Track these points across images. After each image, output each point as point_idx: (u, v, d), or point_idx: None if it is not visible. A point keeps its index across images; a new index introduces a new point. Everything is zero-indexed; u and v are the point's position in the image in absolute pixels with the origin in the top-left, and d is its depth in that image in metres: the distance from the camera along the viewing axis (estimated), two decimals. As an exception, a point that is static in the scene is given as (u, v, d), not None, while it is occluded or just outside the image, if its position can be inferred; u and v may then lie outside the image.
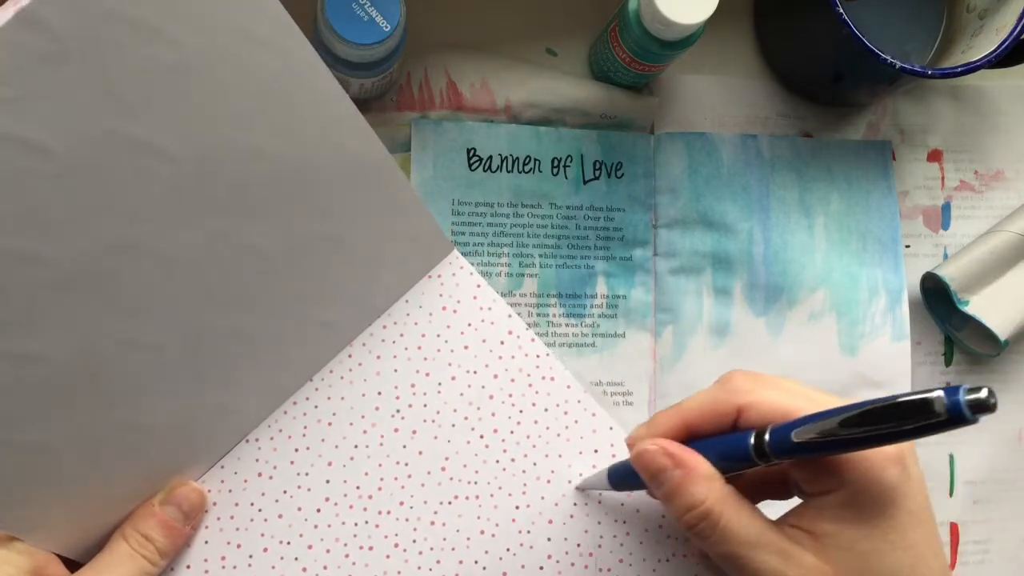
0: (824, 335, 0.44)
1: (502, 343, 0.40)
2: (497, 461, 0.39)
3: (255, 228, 0.33)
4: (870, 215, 0.46)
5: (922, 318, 0.47)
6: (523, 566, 0.38)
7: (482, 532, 0.38)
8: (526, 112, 0.44)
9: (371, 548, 0.38)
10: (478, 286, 0.41)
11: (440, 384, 0.39)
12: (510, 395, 0.40)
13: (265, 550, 0.37)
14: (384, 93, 0.43)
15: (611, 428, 0.40)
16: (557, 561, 0.39)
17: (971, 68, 0.40)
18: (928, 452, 0.46)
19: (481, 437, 0.39)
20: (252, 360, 0.36)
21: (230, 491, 0.37)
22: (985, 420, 0.22)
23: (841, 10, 0.39)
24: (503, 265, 0.43)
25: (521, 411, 0.40)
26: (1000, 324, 0.44)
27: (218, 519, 0.37)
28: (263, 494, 0.37)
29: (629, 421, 0.43)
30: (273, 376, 0.37)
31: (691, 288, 0.44)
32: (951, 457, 0.46)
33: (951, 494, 0.46)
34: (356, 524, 0.38)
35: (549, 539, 0.39)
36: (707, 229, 0.44)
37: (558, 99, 0.44)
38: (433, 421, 0.39)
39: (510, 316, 0.41)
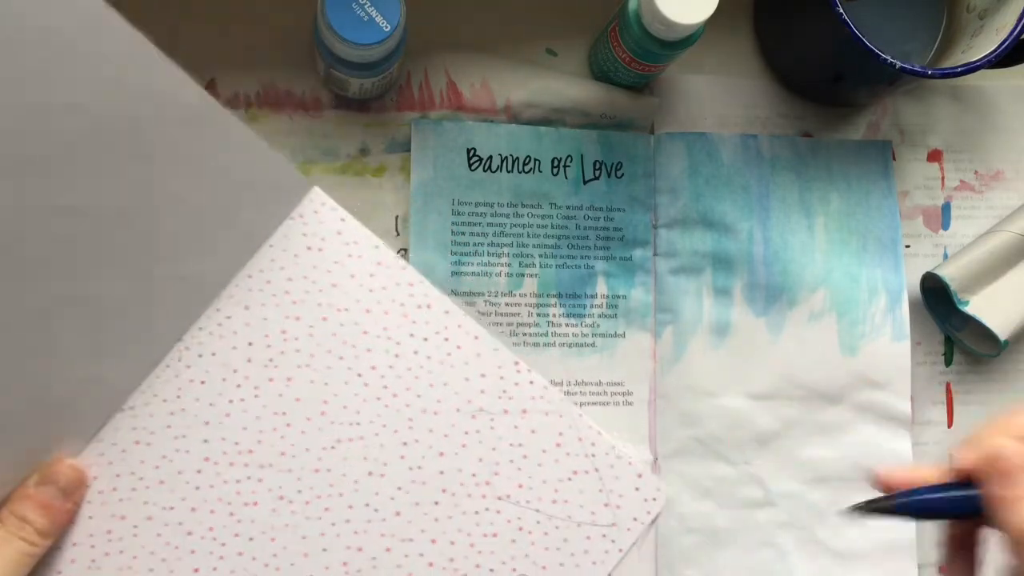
0: (824, 335, 0.45)
1: (372, 276, 0.39)
2: (378, 398, 0.38)
3: (76, 189, 0.31)
4: (870, 215, 0.46)
5: (922, 318, 0.47)
6: (417, 503, 0.37)
7: (370, 473, 0.37)
8: (526, 112, 0.44)
9: (256, 504, 0.37)
10: (342, 220, 0.39)
11: (311, 327, 0.38)
12: (385, 328, 0.38)
13: (149, 518, 0.36)
14: (384, 93, 0.43)
15: (496, 350, 0.39)
16: (453, 494, 0.37)
17: (971, 68, 0.40)
18: (928, 452, 0.46)
19: (359, 376, 0.38)
20: (113, 326, 0.35)
21: (110, 463, 0.37)
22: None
23: (841, 10, 0.39)
24: (503, 265, 0.43)
25: (398, 343, 0.38)
26: (1000, 324, 0.44)
27: (100, 492, 0.36)
28: (142, 462, 0.37)
29: (629, 421, 0.43)
30: (140, 340, 0.36)
31: (691, 288, 0.44)
32: (951, 457, 0.46)
33: (950, 494, 0.46)
34: (238, 481, 0.37)
35: (442, 472, 0.38)
36: (707, 229, 0.44)
37: (558, 99, 0.44)
38: (308, 366, 0.38)
39: (377, 247, 0.39)
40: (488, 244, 0.43)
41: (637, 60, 0.41)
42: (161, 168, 0.34)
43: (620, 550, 0.38)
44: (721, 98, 0.46)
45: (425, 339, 0.39)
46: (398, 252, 0.43)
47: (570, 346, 0.43)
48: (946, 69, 0.40)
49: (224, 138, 0.35)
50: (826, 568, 0.44)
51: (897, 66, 0.39)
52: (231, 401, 0.37)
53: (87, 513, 0.36)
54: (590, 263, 0.44)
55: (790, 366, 0.44)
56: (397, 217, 0.43)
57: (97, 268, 0.33)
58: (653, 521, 0.38)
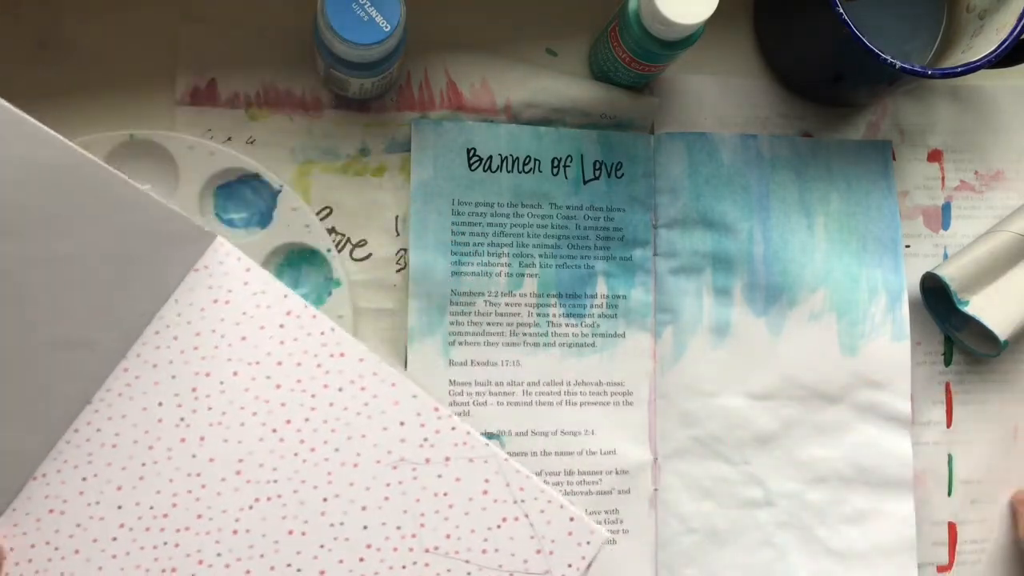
0: (824, 335, 0.45)
1: (282, 327, 0.37)
2: (295, 454, 0.37)
3: None
4: (870, 215, 0.46)
5: (922, 318, 0.47)
6: (341, 560, 0.36)
7: (291, 532, 0.36)
8: (526, 112, 0.44)
9: (174, 570, 0.36)
10: (247, 270, 0.38)
11: (222, 382, 0.37)
12: (298, 380, 0.37)
13: None
14: (384, 93, 0.43)
15: (415, 396, 0.38)
16: (378, 549, 0.36)
17: (971, 68, 0.40)
18: (928, 452, 0.46)
19: (274, 431, 0.37)
20: (6, 397, 0.34)
21: (24, 533, 0.35)
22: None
23: (841, 10, 0.39)
24: (503, 265, 0.43)
25: (313, 395, 0.37)
26: (1000, 324, 0.44)
27: (16, 564, 0.35)
28: (57, 531, 0.35)
29: (629, 421, 0.43)
30: (42, 409, 0.36)
31: (691, 288, 0.44)
32: (950, 457, 0.46)
33: (950, 493, 0.46)
34: (155, 547, 0.36)
35: (365, 527, 0.36)
36: (707, 229, 0.44)
37: (558, 99, 0.44)
38: (220, 423, 0.37)
39: (286, 296, 0.38)
40: (488, 244, 0.43)
41: (637, 60, 0.41)
42: (48, 235, 0.33)
43: None
44: (721, 98, 0.46)
45: (340, 389, 0.37)
46: (397, 252, 0.43)
47: (570, 346, 0.43)
48: (946, 69, 0.40)
49: (109, 196, 0.34)
50: (826, 568, 0.44)
51: (897, 66, 0.39)
52: (144, 464, 0.36)
53: None
54: (590, 263, 0.44)
55: (790, 366, 0.44)
56: (397, 217, 0.43)
57: None
58: (588, 566, 0.37)
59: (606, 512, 0.43)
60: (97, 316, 0.36)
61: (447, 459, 0.37)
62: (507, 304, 0.43)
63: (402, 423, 0.37)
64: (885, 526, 0.44)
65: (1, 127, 0.31)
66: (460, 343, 0.42)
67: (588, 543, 0.37)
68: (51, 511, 0.36)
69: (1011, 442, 0.47)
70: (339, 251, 0.43)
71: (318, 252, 0.41)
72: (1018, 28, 0.40)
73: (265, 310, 0.38)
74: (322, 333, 0.38)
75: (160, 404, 0.37)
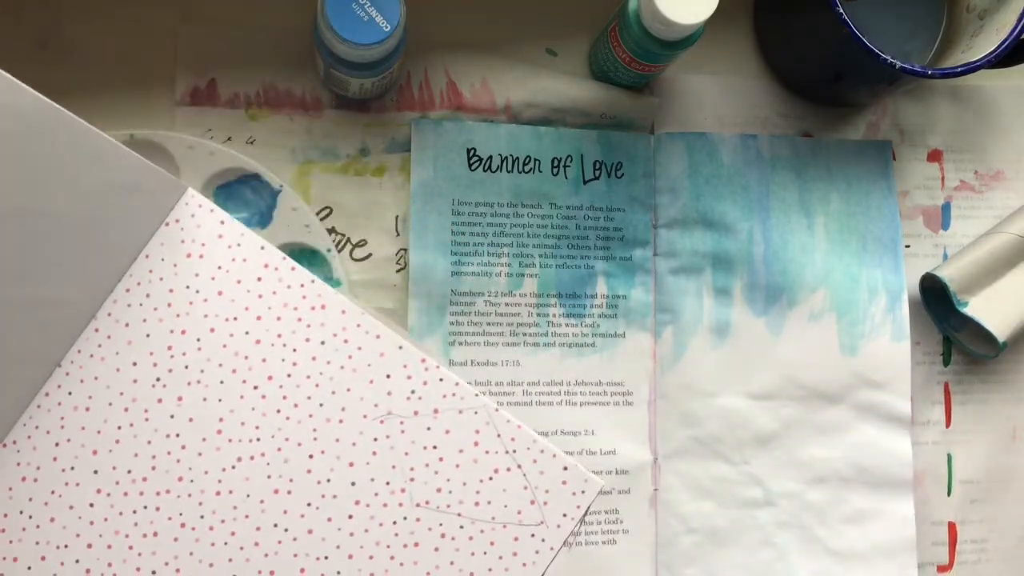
0: (824, 335, 0.45)
1: (259, 280, 0.36)
2: (278, 411, 0.35)
3: None
4: (870, 215, 0.46)
5: (921, 318, 0.47)
6: (330, 519, 0.35)
7: (276, 491, 0.35)
8: (526, 112, 0.44)
9: (156, 534, 0.35)
10: (221, 222, 0.36)
11: (199, 339, 0.35)
12: (279, 335, 0.36)
13: (43, 558, 0.34)
14: (384, 93, 0.43)
15: (400, 347, 0.36)
16: (367, 505, 0.35)
17: (971, 68, 0.40)
18: (927, 452, 0.46)
19: (255, 388, 0.35)
20: None
21: None
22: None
23: (841, 10, 0.39)
24: (503, 265, 0.43)
25: (295, 350, 0.36)
26: (999, 325, 0.44)
27: None
28: (30, 499, 0.34)
29: (629, 421, 0.43)
30: (9, 373, 0.34)
31: (691, 288, 0.44)
32: (949, 456, 0.46)
33: (949, 493, 0.46)
34: (135, 511, 0.35)
35: (353, 483, 0.35)
36: (707, 229, 0.44)
37: (558, 99, 0.44)
38: (198, 382, 0.35)
39: (263, 248, 0.36)
40: (488, 244, 0.43)
41: (637, 60, 0.41)
42: (10, 189, 0.32)
43: (551, 548, 0.36)
44: (721, 98, 0.46)
45: (322, 342, 0.36)
46: (398, 252, 0.43)
47: (570, 346, 0.43)
48: (946, 69, 0.40)
49: (71, 145, 0.33)
50: (826, 568, 0.44)
51: (897, 66, 0.39)
52: (119, 427, 0.35)
53: None
54: (590, 263, 0.44)
55: (790, 366, 0.44)
56: (397, 217, 0.43)
57: None
58: (584, 515, 0.36)
59: (606, 512, 0.43)
60: (64, 273, 0.34)
61: (436, 411, 0.36)
62: (507, 304, 0.43)
63: (388, 375, 0.36)
64: (885, 526, 0.44)
65: None
66: (460, 343, 0.42)
67: (583, 492, 0.36)
68: (23, 479, 0.35)
69: (1010, 442, 0.47)
70: (339, 251, 0.43)
71: (318, 252, 0.41)
72: (1018, 28, 0.40)
73: (241, 263, 0.36)
74: (302, 285, 0.36)
75: (134, 364, 0.35)
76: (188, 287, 0.36)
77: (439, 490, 0.36)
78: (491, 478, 0.36)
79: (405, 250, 0.43)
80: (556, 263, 0.43)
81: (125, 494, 0.35)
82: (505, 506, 0.36)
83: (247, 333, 0.36)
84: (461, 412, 0.36)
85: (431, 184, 0.43)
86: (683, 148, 0.45)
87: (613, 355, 0.44)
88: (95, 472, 0.35)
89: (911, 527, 0.44)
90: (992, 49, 0.40)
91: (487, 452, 0.36)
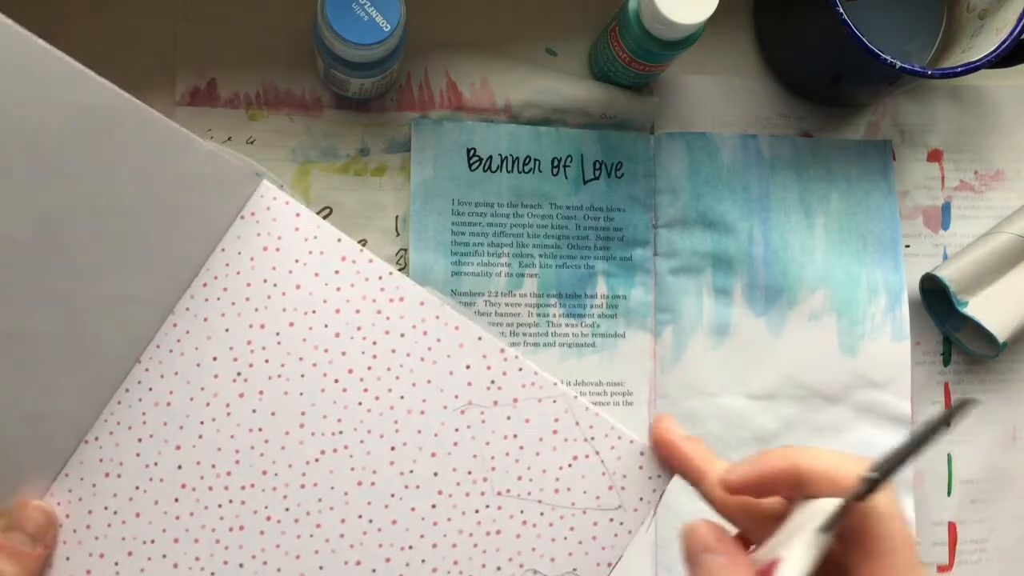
0: (824, 335, 0.45)
1: (337, 272, 0.36)
2: (360, 403, 0.36)
3: None
4: (870, 215, 0.46)
5: (921, 318, 0.47)
6: (413, 509, 0.35)
7: (360, 484, 0.35)
8: (526, 112, 0.44)
9: (242, 528, 0.35)
10: (297, 215, 0.36)
11: (278, 334, 0.36)
12: (358, 328, 0.36)
13: (130, 554, 0.34)
14: (384, 93, 0.43)
15: (480, 338, 0.36)
16: (450, 495, 0.36)
17: (971, 68, 0.40)
18: (927, 452, 0.46)
19: (336, 381, 0.36)
20: (51, 358, 0.33)
21: (80, 499, 0.35)
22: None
23: (841, 10, 0.39)
24: (503, 265, 0.43)
25: (374, 342, 0.36)
26: (998, 325, 0.44)
27: (74, 531, 0.34)
28: (115, 495, 0.35)
29: (629, 421, 0.43)
30: (91, 369, 0.34)
31: (691, 288, 0.44)
32: (949, 456, 0.46)
33: (949, 493, 0.46)
34: (220, 506, 0.35)
35: (436, 474, 0.36)
36: (707, 229, 0.44)
37: (558, 99, 0.44)
38: (280, 376, 0.35)
39: (339, 240, 0.36)
40: (488, 244, 0.43)
41: (637, 60, 0.41)
42: (94, 183, 0.31)
43: (629, 532, 0.37)
44: (721, 98, 0.46)
45: (402, 335, 0.36)
46: (398, 252, 0.43)
47: (570, 346, 0.43)
48: (946, 69, 0.40)
49: (148, 139, 0.32)
50: (825, 568, 0.44)
51: (897, 66, 0.39)
52: (202, 422, 0.35)
53: (63, 554, 0.34)
54: (590, 263, 0.44)
55: (790, 366, 0.44)
56: (397, 217, 0.43)
57: (30, 299, 0.31)
58: (660, 499, 0.37)
59: (606, 512, 0.43)
60: (142, 269, 0.34)
61: (515, 400, 0.36)
62: (507, 304, 0.43)
63: (468, 366, 0.36)
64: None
65: (46, 70, 0.29)
66: (460, 343, 0.42)
67: (659, 476, 0.37)
68: (107, 475, 0.35)
69: (1010, 442, 0.47)
70: (339, 251, 0.43)
71: (318, 252, 0.41)
72: (1018, 28, 0.40)
73: (319, 256, 0.36)
74: (380, 278, 0.36)
75: (214, 359, 0.35)
76: (266, 281, 0.36)
77: (520, 478, 0.36)
78: (570, 465, 0.36)
79: (405, 250, 0.43)
80: (556, 263, 0.43)
81: (210, 488, 0.35)
82: (584, 492, 0.36)
83: (326, 326, 0.36)
84: (540, 401, 0.37)
85: (431, 184, 0.43)
86: (683, 148, 0.45)
87: (613, 355, 0.44)
88: (179, 467, 0.35)
89: (911, 527, 0.44)
90: (992, 49, 0.40)
91: (566, 440, 0.36)
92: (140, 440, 0.35)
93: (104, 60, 0.41)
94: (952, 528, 0.46)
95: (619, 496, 0.37)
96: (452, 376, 0.36)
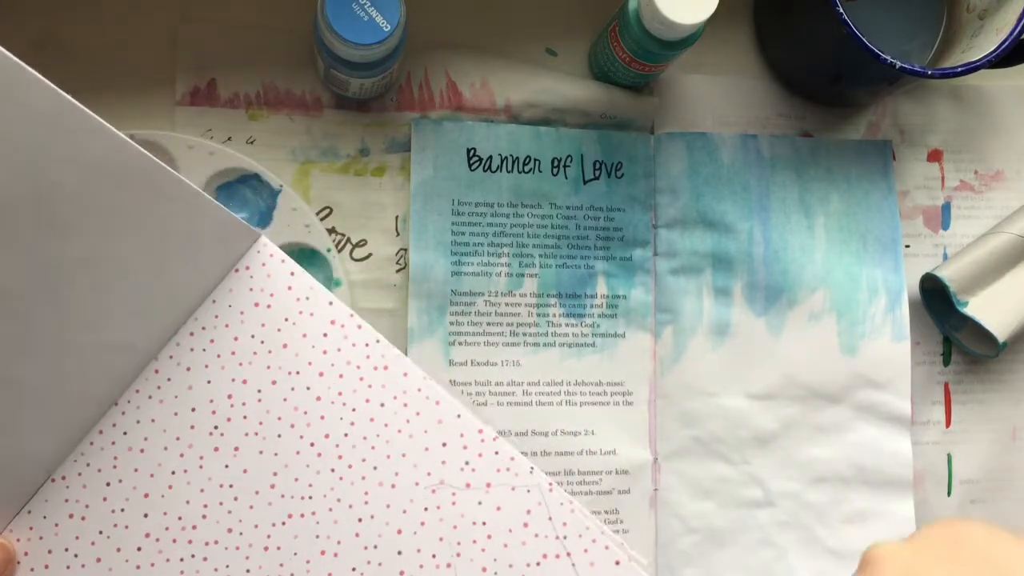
0: (824, 335, 0.45)
1: (325, 336, 0.36)
2: (332, 470, 0.35)
3: None
4: (870, 215, 0.46)
5: (921, 318, 0.47)
6: None
7: (323, 552, 0.35)
8: (526, 112, 0.44)
9: None
10: (292, 274, 0.36)
11: (260, 391, 0.35)
12: (339, 393, 0.35)
13: None
14: (384, 93, 0.43)
15: (458, 416, 0.36)
16: None
17: (971, 68, 0.40)
18: (927, 452, 0.46)
19: (312, 445, 0.35)
20: (31, 402, 0.33)
21: (41, 538, 0.34)
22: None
23: (841, 10, 0.39)
24: (503, 265, 0.43)
25: (354, 409, 0.35)
26: (998, 326, 0.44)
27: (32, 570, 0.34)
28: (77, 537, 0.34)
29: (629, 421, 0.43)
30: (67, 411, 0.34)
31: (691, 288, 0.44)
32: (949, 456, 0.46)
33: (949, 493, 0.46)
34: (182, 559, 0.34)
35: (400, 552, 0.35)
36: (707, 229, 0.44)
37: (558, 99, 0.44)
38: (256, 434, 0.35)
39: (331, 304, 0.36)
40: (488, 244, 0.43)
41: (637, 60, 0.41)
42: (94, 235, 0.31)
43: None
44: (721, 98, 0.46)
45: (382, 404, 0.36)
46: (398, 252, 0.43)
47: (570, 346, 0.43)
48: (946, 69, 0.40)
49: (158, 193, 0.32)
50: (826, 568, 0.44)
51: (897, 66, 0.39)
52: (173, 472, 0.35)
53: None
54: (590, 263, 0.44)
55: (790, 366, 0.44)
56: (397, 217, 0.43)
57: (17, 347, 0.31)
58: None
59: (606, 512, 0.43)
60: (130, 317, 0.34)
61: (488, 485, 0.36)
62: (507, 304, 0.43)
63: (444, 444, 0.36)
64: (885, 526, 0.44)
65: (67, 122, 0.29)
66: (460, 343, 0.42)
67: None
68: (71, 516, 0.34)
69: (1009, 442, 0.47)
70: (339, 251, 0.43)
71: (318, 252, 0.41)
72: (1018, 28, 0.40)
73: (308, 317, 0.36)
74: (367, 344, 0.36)
75: (193, 410, 0.35)
76: (253, 336, 0.36)
77: (484, 569, 0.35)
78: (539, 563, 0.35)
79: (405, 250, 0.43)
80: (556, 263, 0.43)
81: (174, 540, 0.34)
82: None
83: (308, 388, 0.35)
84: (514, 489, 0.36)
85: (431, 184, 0.43)
86: (683, 148, 0.45)
87: (613, 355, 0.44)
88: (145, 515, 0.34)
89: (911, 527, 0.44)
90: (992, 49, 0.40)
91: (536, 535, 0.35)
92: (108, 484, 0.34)
93: (104, 60, 0.42)
94: (952, 528, 0.46)
95: None
96: (427, 452, 0.35)
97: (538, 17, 0.45)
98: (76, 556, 0.34)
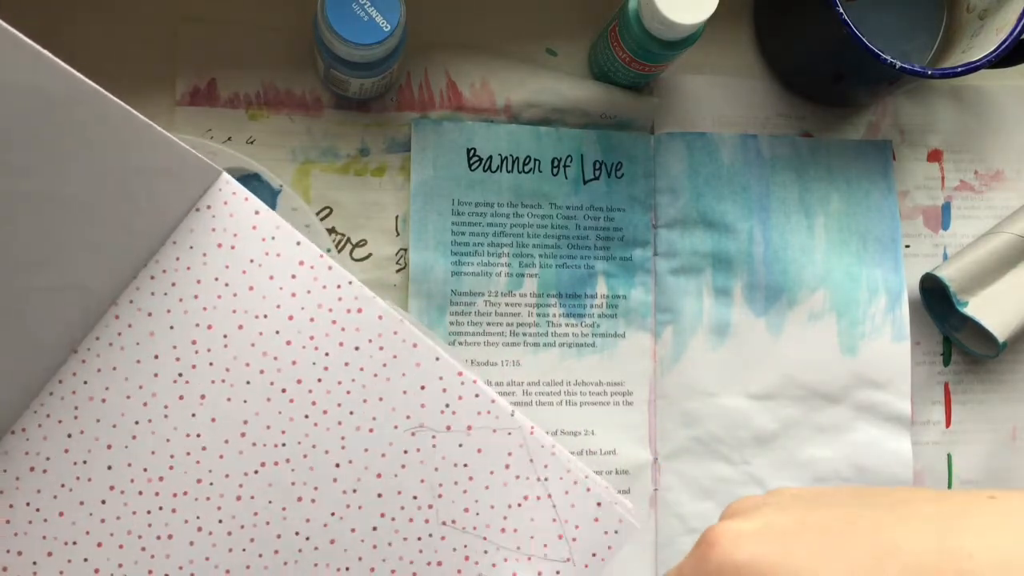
0: (824, 335, 0.45)
1: (293, 277, 0.34)
2: (306, 416, 0.34)
3: None
4: (870, 215, 0.46)
5: (921, 318, 0.47)
6: (353, 530, 0.34)
7: (300, 499, 0.34)
8: (526, 112, 0.44)
9: (170, 536, 0.33)
10: (256, 213, 0.34)
11: (226, 336, 0.34)
12: (311, 337, 0.34)
13: (50, 554, 0.33)
14: (384, 93, 0.43)
15: (437, 359, 0.35)
16: (393, 519, 0.34)
17: (971, 68, 0.40)
18: (927, 452, 0.46)
19: (283, 391, 0.34)
20: None
21: (1, 492, 0.33)
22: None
23: (841, 10, 0.39)
24: (503, 265, 0.43)
25: (327, 354, 0.34)
26: (998, 326, 0.44)
27: None
28: (39, 491, 0.33)
29: (629, 421, 0.43)
30: (21, 357, 0.32)
31: (691, 288, 0.44)
32: (949, 457, 0.46)
33: (950, 493, 0.46)
34: (149, 512, 0.33)
35: (380, 495, 0.34)
36: (707, 229, 0.44)
37: (558, 99, 0.44)
38: (223, 381, 0.34)
39: (299, 243, 0.34)
40: (488, 244, 0.43)
41: (637, 60, 0.41)
42: (42, 171, 0.29)
43: None
44: (721, 98, 0.46)
45: (357, 348, 0.34)
46: (398, 252, 0.43)
47: (570, 346, 0.43)
48: (946, 69, 0.40)
49: (104, 127, 0.30)
50: (825, 568, 0.44)
51: (897, 66, 0.39)
52: (137, 422, 0.33)
53: None
54: (590, 263, 0.44)
55: (790, 366, 0.44)
56: (397, 217, 0.43)
57: None
58: (614, 554, 0.35)
59: (606, 512, 0.43)
60: (86, 258, 0.32)
61: (469, 428, 0.35)
62: (507, 304, 0.43)
63: (423, 387, 0.35)
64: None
65: (4, 52, 0.27)
66: (460, 343, 0.42)
67: (616, 532, 0.35)
68: (31, 469, 0.33)
69: (1010, 442, 0.47)
70: (339, 251, 0.43)
71: (318, 252, 0.41)
72: (1018, 28, 0.40)
73: (275, 258, 0.34)
74: (338, 286, 0.34)
75: (156, 357, 0.33)
76: (217, 279, 0.34)
77: (466, 510, 0.35)
78: (520, 505, 0.35)
79: (405, 250, 0.43)
80: (556, 263, 0.43)
81: (140, 493, 0.33)
82: (532, 537, 0.35)
83: (277, 332, 0.34)
84: (495, 431, 0.35)
85: (431, 184, 0.43)
86: (683, 148, 0.45)
87: (613, 355, 0.44)
88: (109, 468, 0.33)
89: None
90: (992, 49, 0.40)
91: (517, 477, 0.35)
92: (70, 436, 0.33)
93: (104, 60, 0.42)
94: (952, 528, 0.46)
95: (569, 548, 0.35)
96: (405, 395, 0.35)
97: (538, 17, 0.45)
98: (38, 511, 0.33)
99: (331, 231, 0.43)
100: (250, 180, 0.41)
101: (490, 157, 0.43)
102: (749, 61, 0.47)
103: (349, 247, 0.43)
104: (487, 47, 0.44)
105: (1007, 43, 0.40)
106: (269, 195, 0.41)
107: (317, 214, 0.42)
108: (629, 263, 0.44)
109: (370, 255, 0.43)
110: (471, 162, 0.43)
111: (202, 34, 0.42)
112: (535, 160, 0.44)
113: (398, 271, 0.43)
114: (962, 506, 0.24)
